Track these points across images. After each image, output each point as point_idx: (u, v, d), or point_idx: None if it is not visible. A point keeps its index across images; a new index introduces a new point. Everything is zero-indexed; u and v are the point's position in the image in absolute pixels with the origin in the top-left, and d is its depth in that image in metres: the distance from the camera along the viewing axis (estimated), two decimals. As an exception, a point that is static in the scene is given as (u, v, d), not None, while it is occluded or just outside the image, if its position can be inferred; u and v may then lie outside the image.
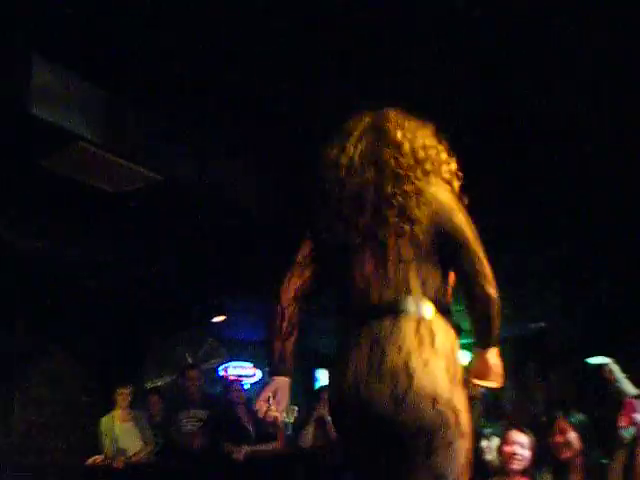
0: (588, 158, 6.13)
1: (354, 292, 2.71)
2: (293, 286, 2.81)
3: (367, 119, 2.90)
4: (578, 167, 6.31)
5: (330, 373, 2.81)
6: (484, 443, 5.83)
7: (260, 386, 9.92)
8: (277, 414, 2.70)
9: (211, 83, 5.36)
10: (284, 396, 2.72)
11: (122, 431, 8.09)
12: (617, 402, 5.52)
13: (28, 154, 5.60)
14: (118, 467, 7.67)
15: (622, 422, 5.20)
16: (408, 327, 2.54)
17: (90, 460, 7.87)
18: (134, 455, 7.92)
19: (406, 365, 2.47)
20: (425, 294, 2.60)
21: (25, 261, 8.05)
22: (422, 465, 2.46)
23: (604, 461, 5.29)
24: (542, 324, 11.26)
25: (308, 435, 7.70)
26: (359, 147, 2.80)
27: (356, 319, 2.69)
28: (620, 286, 9.57)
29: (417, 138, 2.79)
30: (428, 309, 2.58)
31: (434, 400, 2.44)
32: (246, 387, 11.09)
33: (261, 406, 2.70)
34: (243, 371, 13.09)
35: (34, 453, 8.89)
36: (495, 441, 5.63)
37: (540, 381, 9.21)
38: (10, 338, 8.84)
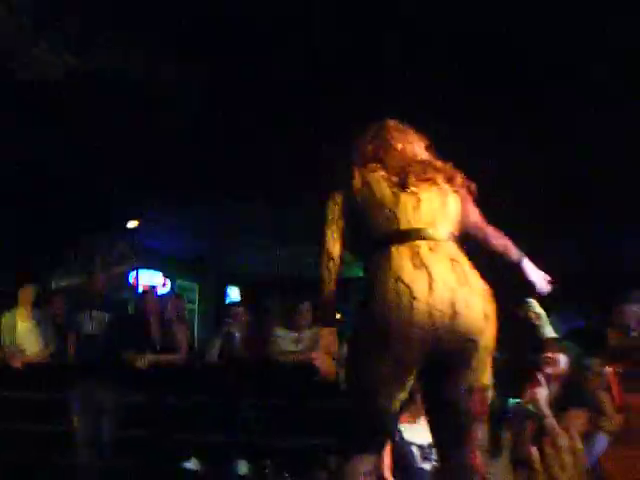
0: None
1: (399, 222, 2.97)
2: (336, 242, 3.04)
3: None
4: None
5: (378, 295, 2.80)
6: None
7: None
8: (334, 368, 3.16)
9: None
10: (335, 345, 3.04)
11: (23, 330, 7.88)
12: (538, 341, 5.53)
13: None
14: (16, 366, 7.48)
15: (525, 397, 5.19)
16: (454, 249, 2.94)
17: (-14, 357, 7.65)
18: (32, 355, 7.74)
19: (480, 282, 2.84)
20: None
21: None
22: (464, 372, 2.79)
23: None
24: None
25: (214, 349, 7.62)
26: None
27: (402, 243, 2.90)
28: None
29: None
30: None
31: (486, 316, 2.78)
32: (155, 296, 10.96)
33: (323, 360, 3.21)
34: (154, 280, 12.96)
35: None
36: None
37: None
38: None
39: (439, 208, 3.00)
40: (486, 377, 2.84)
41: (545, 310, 5.73)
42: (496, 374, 2.91)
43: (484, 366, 2.81)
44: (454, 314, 2.68)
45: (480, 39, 5.72)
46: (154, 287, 11.82)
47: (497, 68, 6.08)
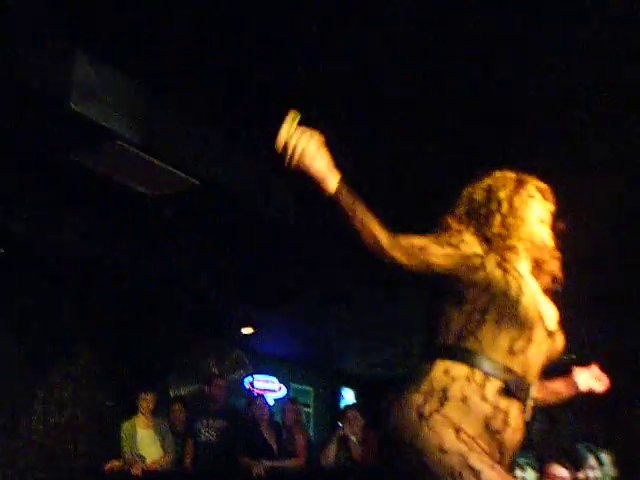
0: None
1: None
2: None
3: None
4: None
5: None
6: (518, 473, 5.72)
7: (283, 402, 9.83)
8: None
9: (253, 89, 5.31)
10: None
11: (143, 437, 8.01)
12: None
13: (66, 150, 5.55)
14: (136, 474, 7.59)
15: None
16: None
17: (108, 465, 7.79)
18: (153, 463, 7.85)
19: None
20: None
21: (56, 260, 8.02)
22: None
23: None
24: (573, 356, 11.13)
25: (330, 453, 7.59)
26: None
27: None
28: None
29: None
30: None
31: None
32: (270, 402, 11.02)
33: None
34: (269, 385, 13.03)
35: (53, 455, 8.83)
36: (530, 473, 5.52)
37: (567, 413, 9.06)
38: (36, 337, 8.81)
39: None
40: None
41: None
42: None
43: None
44: None
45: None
46: (262, 394, 11.95)
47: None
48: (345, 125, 5.34)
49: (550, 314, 2.61)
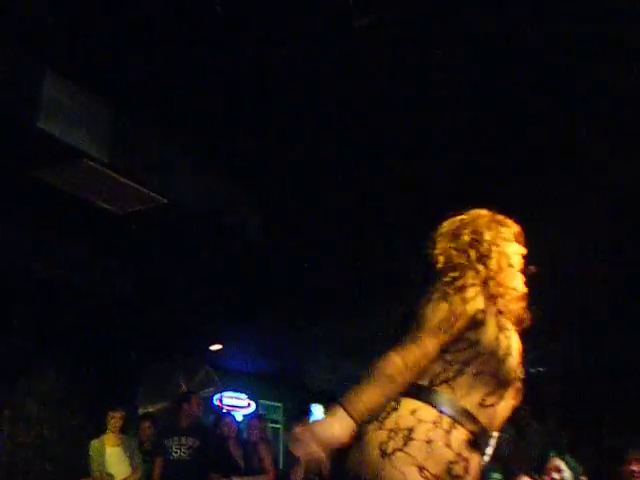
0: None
1: None
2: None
3: None
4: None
5: None
6: None
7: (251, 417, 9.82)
8: None
9: (219, 108, 5.34)
10: None
11: (111, 455, 7.96)
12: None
13: (32, 168, 5.54)
14: (104, 491, 7.55)
15: None
16: None
17: (77, 483, 7.74)
18: (121, 480, 7.82)
19: None
20: None
21: (19, 278, 7.98)
22: None
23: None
24: (541, 369, 11.26)
25: (300, 470, 7.59)
26: None
27: None
28: (621, 335, 9.58)
29: None
30: None
31: None
32: (239, 418, 10.99)
33: None
34: (238, 402, 13.00)
35: (21, 473, 8.76)
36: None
37: (536, 425, 9.14)
38: (3, 354, 8.75)
39: None
40: None
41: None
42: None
43: None
44: None
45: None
46: (233, 407, 11.94)
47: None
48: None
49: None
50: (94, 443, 8.01)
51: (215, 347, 11.41)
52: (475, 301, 2.47)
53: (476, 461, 2.41)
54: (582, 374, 10.91)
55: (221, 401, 12.39)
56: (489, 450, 2.46)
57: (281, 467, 9.65)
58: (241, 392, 13.24)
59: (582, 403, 10.13)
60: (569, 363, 11.21)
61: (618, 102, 5.01)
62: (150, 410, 10.25)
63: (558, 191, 6.12)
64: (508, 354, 2.45)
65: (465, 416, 2.39)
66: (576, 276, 7.58)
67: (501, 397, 2.47)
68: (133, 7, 4.39)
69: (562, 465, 5.05)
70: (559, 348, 10.54)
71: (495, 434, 2.51)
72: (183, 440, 7.60)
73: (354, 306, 8.92)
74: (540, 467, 5.20)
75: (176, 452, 7.56)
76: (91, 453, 7.96)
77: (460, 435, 2.37)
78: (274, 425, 13.42)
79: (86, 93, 5.13)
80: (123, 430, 8.19)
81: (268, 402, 14.47)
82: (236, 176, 6.38)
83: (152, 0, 4.39)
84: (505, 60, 4.66)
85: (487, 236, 2.66)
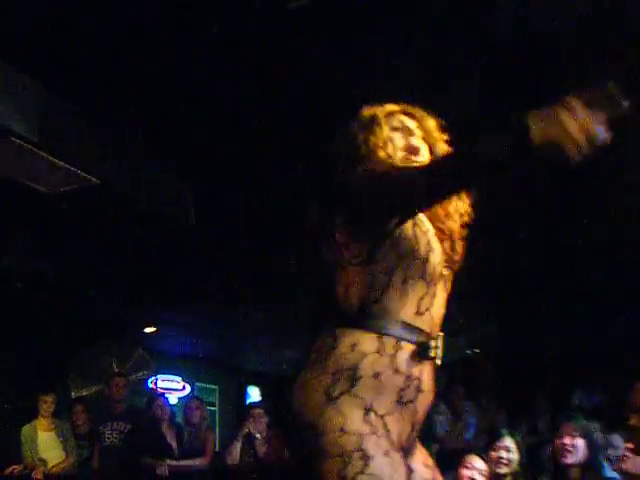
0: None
1: None
2: None
3: None
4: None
5: None
6: None
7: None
8: None
9: (151, 90, 5.26)
10: None
11: (44, 440, 7.86)
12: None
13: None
14: (37, 478, 7.45)
15: None
16: None
17: (8, 469, 7.61)
18: (55, 466, 7.72)
19: None
20: None
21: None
22: None
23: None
24: (477, 350, 11.40)
25: (235, 452, 7.56)
26: None
27: None
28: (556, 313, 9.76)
29: None
30: None
31: None
32: (173, 402, 10.93)
33: None
34: (173, 384, 12.94)
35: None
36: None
37: (472, 406, 9.23)
38: None
39: None
40: None
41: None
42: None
43: None
44: None
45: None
46: (168, 390, 11.87)
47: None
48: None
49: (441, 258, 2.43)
50: (25, 428, 7.92)
51: (149, 330, 11.32)
52: None
53: (427, 371, 2.33)
54: (515, 355, 11.11)
55: (155, 384, 12.32)
56: (439, 352, 2.34)
57: (217, 449, 9.62)
58: (176, 375, 13.18)
59: (515, 383, 10.27)
60: (503, 344, 11.39)
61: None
62: (83, 394, 10.14)
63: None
64: (430, 250, 2.34)
65: (407, 330, 2.29)
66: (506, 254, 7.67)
67: (433, 296, 2.36)
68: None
69: (513, 445, 5.09)
70: (493, 330, 10.71)
71: (440, 334, 2.38)
72: (115, 425, 7.52)
73: (291, 290, 8.90)
74: (490, 444, 5.23)
75: (108, 438, 7.48)
76: (22, 438, 7.86)
77: (406, 353, 2.27)
78: (210, 407, 13.38)
79: (14, 70, 5.00)
80: (56, 414, 8.08)
81: (204, 385, 14.43)
82: (169, 160, 6.31)
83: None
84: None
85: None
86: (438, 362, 2.35)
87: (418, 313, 2.31)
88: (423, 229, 2.36)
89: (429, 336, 2.33)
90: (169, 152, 6.22)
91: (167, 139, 6.00)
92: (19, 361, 9.55)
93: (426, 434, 8.39)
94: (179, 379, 13.19)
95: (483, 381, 10.32)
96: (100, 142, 5.80)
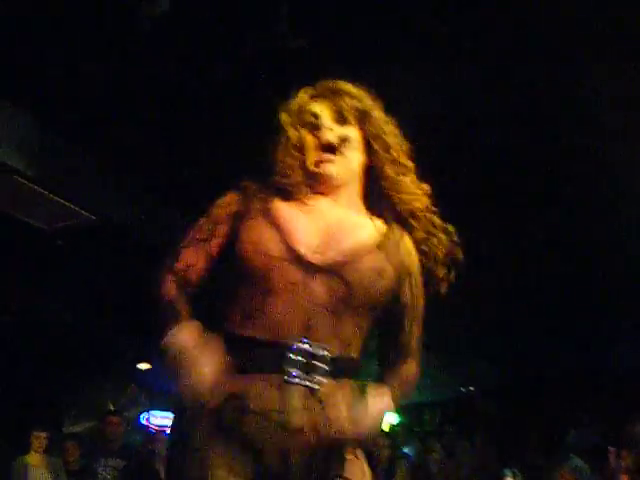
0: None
1: None
2: None
3: None
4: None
5: None
6: None
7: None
8: None
9: (148, 127, 5.30)
10: None
11: (35, 476, 7.79)
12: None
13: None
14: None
15: None
16: None
17: (-3, 506, 7.56)
18: (45, 503, 7.66)
19: None
20: None
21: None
22: None
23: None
24: (472, 388, 11.36)
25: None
26: None
27: None
28: (548, 353, 9.75)
29: None
30: None
31: None
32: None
33: None
34: (165, 421, 12.86)
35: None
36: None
37: (466, 445, 9.21)
38: None
39: None
40: None
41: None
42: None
43: None
44: None
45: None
46: (161, 427, 11.80)
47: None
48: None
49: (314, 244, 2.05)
50: (17, 463, 7.85)
51: (143, 366, 11.29)
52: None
53: (261, 387, 1.92)
54: (510, 393, 11.07)
55: (149, 420, 12.25)
56: (304, 359, 1.91)
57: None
58: (169, 411, 13.11)
59: (509, 422, 10.25)
60: (498, 382, 11.35)
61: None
62: (76, 430, 10.08)
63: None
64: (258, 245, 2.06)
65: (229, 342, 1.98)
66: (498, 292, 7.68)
67: (275, 296, 1.98)
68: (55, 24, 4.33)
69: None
70: (487, 367, 10.69)
71: (314, 342, 1.93)
72: (110, 462, 7.47)
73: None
74: None
75: (101, 474, 7.42)
76: (14, 474, 7.80)
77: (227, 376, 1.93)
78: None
79: (14, 110, 5.05)
80: (48, 451, 8.03)
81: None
82: (167, 201, 6.34)
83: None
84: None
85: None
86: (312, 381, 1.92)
87: (247, 317, 2.02)
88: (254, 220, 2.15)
89: (269, 343, 1.95)
90: (160, 184, 6.22)
91: (157, 171, 6.00)
92: (12, 397, 9.51)
93: (420, 473, 8.39)
94: (172, 415, 13.13)
95: (478, 420, 10.30)
96: (95, 180, 5.83)
